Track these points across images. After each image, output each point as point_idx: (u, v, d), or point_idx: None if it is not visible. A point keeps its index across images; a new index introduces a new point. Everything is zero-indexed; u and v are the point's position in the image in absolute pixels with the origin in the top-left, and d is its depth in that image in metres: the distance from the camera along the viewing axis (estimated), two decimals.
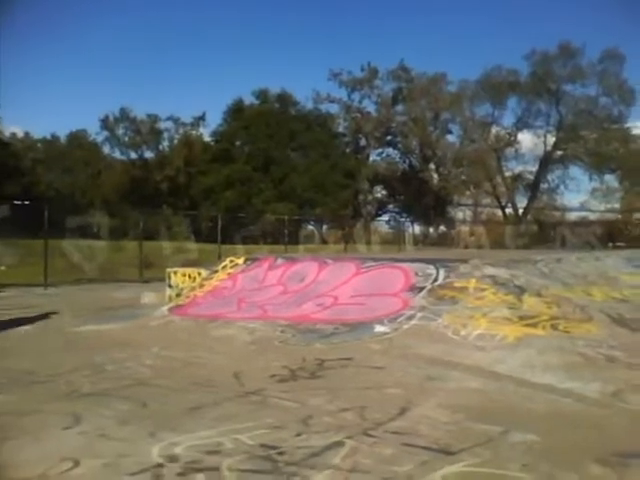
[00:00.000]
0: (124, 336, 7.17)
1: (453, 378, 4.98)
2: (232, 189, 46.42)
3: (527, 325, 6.30)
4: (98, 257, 16.66)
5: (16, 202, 16.94)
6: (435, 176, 50.80)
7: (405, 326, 6.65)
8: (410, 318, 6.81)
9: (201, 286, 10.16)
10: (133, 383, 4.89)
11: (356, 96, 52.03)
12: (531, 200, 44.88)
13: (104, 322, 8.06)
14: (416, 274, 8.00)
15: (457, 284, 7.56)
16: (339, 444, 3.42)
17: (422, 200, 48.09)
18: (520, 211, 44.72)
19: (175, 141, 53.50)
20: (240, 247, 19.39)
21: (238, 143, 52.35)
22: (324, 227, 35.12)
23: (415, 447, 3.38)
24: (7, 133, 48.03)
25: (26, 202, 17.80)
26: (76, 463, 3.15)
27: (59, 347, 6.63)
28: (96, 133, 53.09)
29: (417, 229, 41.14)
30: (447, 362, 5.45)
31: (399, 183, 51.89)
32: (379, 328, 6.67)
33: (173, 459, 3.21)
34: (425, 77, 48.57)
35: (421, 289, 7.55)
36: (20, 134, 53.19)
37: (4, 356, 6.11)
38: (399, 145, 53.15)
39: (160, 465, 3.13)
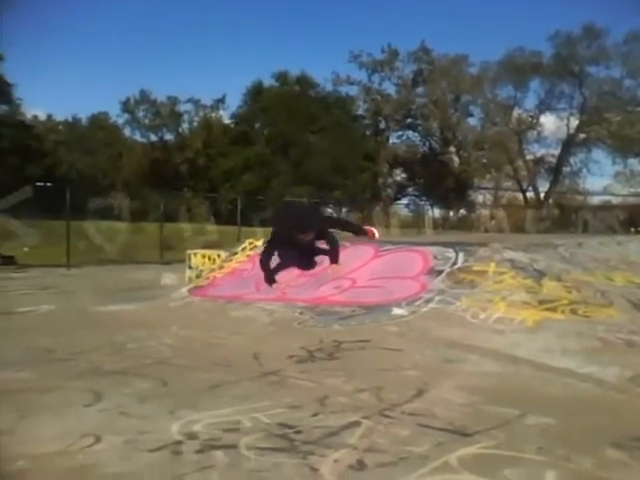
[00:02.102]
0: (144, 316, 7.26)
1: (471, 361, 4.99)
2: (251, 172, 46.51)
3: (546, 309, 6.26)
4: (119, 238, 16.87)
5: (38, 184, 17.17)
6: (455, 159, 50.36)
7: (423, 309, 6.64)
8: (428, 301, 6.80)
9: (220, 268, 10.24)
10: (153, 362, 4.96)
11: (376, 78, 51.60)
12: (553, 184, 44.32)
13: (125, 302, 8.17)
14: (435, 257, 7.97)
15: (476, 268, 7.51)
16: (355, 424, 3.45)
17: (442, 183, 47.72)
18: (542, 195, 44.21)
19: (195, 123, 53.64)
20: (259, 230, 19.49)
21: (257, 125, 52.31)
22: (343, 210, 35.05)
23: (431, 428, 3.39)
24: (29, 115, 48.46)
25: (48, 184, 18.04)
26: (97, 439, 3.21)
27: (80, 326, 6.74)
28: (117, 115, 53.45)
29: (437, 213, 40.89)
30: (465, 345, 5.45)
31: (419, 166, 51.55)
32: (397, 311, 6.68)
33: (192, 436, 3.26)
34: (446, 59, 47.93)
35: (440, 272, 7.51)
36: (42, 116, 53.65)
37: (26, 334, 6.22)
38: (419, 128, 52.69)
39: (179, 442, 3.18)
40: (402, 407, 3.76)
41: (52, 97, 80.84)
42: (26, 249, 16.21)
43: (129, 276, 8.95)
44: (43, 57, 76.33)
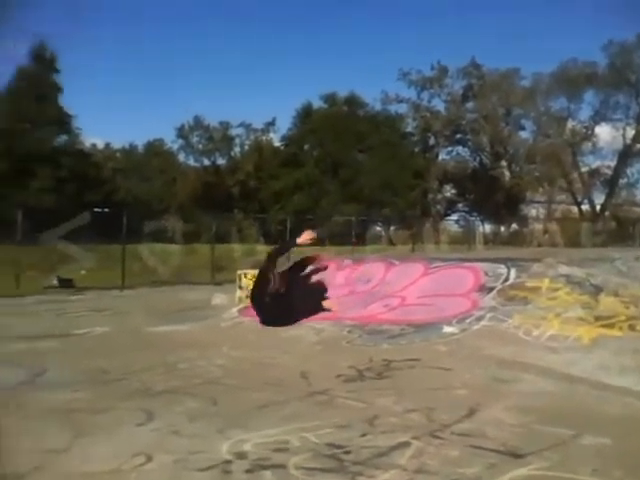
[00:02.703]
0: (196, 336, 7.37)
1: (523, 380, 4.85)
2: (301, 192, 46.90)
3: (603, 326, 6.04)
4: (172, 260, 17.25)
5: (96, 209, 17.76)
6: (507, 173, 49.46)
7: (474, 327, 6.51)
8: (479, 319, 6.67)
9: None
10: (204, 382, 5.02)
11: (425, 95, 51.35)
12: (609, 196, 42.93)
13: (177, 323, 8.30)
14: (486, 274, 7.82)
15: (529, 284, 7.33)
16: (405, 445, 3.40)
17: (493, 198, 46.91)
18: (597, 207, 42.85)
19: (246, 147, 54.53)
20: (308, 249, 19.54)
21: (307, 147, 52.83)
22: (392, 228, 34.84)
23: (482, 449, 3.31)
24: (88, 144, 50.34)
25: (105, 209, 18.67)
26: (148, 458, 3.25)
27: (133, 347, 6.88)
28: (172, 141, 54.91)
29: (487, 228, 40.12)
30: (517, 363, 5.31)
31: (469, 181, 50.90)
32: (447, 329, 6.57)
33: (241, 456, 3.27)
34: (497, 73, 47.38)
35: (491, 289, 7.37)
36: (100, 145, 55.68)
37: (82, 356, 6.39)
38: (469, 143, 52.14)
39: (229, 462, 3.20)
40: (453, 427, 3.69)
41: (110, 126, 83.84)
42: (83, 272, 16.72)
43: (181, 297, 9.12)
44: (100, 87, 79.45)
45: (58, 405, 4.34)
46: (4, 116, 40.05)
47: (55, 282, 15.51)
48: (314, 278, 8.14)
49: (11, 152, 38.75)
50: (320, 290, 8.28)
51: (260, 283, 7.00)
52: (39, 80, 42.80)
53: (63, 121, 44.01)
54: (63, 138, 44.50)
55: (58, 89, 44.62)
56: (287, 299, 6.95)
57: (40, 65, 43.54)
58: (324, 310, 7.38)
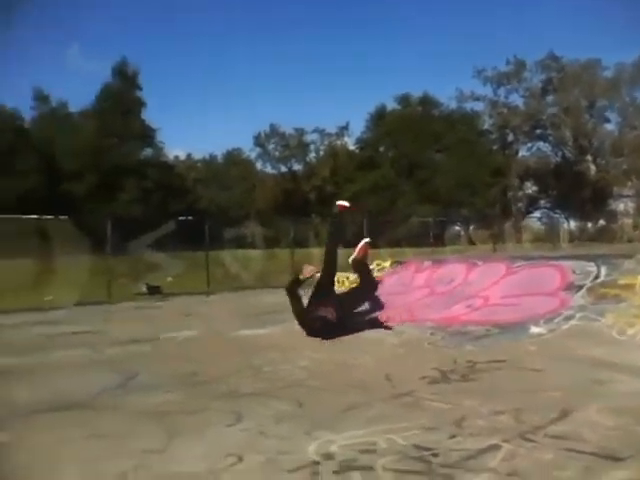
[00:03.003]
0: (279, 340, 7.48)
1: (619, 380, 4.62)
2: (377, 194, 46.80)
3: None
4: (253, 265, 17.70)
5: (180, 218, 18.52)
6: (592, 167, 47.37)
7: (563, 327, 6.28)
8: (568, 318, 6.42)
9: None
10: (289, 384, 5.09)
11: (502, 91, 50.27)
12: None
13: (260, 327, 8.47)
14: (574, 272, 7.52)
15: (621, 281, 6.98)
16: (495, 447, 3.31)
17: (578, 194, 45.07)
18: None
19: (321, 152, 55.13)
20: (385, 251, 19.48)
21: (382, 149, 52.72)
22: (471, 227, 34.12)
23: (577, 452, 3.18)
24: (171, 156, 52.45)
25: (189, 218, 19.42)
26: (239, 459, 3.32)
27: (219, 350, 7.08)
28: (249, 150, 56.41)
29: (573, 225, 38.56)
30: (612, 364, 5.07)
31: (551, 177, 49.15)
32: (534, 329, 6.37)
33: (329, 457, 3.28)
34: (577, 64, 45.56)
35: (580, 287, 7.07)
36: (182, 156, 57.89)
37: (171, 359, 6.63)
38: (550, 138, 50.40)
39: (317, 463, 3.22)
40: (545, 430, 3.56)
41: (190, 138, 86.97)
42: (170, 279, 17.44)
43: (263, 301, 9.31)
44: (181, 101, 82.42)
45: (152, 407, 4.51)
46: (92, 133, 42.34)
47: (144, 289, 16.26)
48: (369, 298, 8.14)
49: (100, 167, 40.91)
50: (375, 307, 8.27)
51: (293, 304, 7.14)
52: (123, 96, 44.99)
53: (147, 135, 46.07)
54: (148, 151, 46.59)
55: (141, 104, 46.77)
56: (338, 324, 7.03)
57: (123, 82, 45.76)
58: (378, 327, 7.37)
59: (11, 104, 41.40)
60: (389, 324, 7.56)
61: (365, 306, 8.29)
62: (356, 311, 7.96)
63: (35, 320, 11.21)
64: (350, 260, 8.16)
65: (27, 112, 44.69)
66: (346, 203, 8.43)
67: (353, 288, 8.67)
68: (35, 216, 15.87)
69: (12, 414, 4.43)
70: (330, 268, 7.79)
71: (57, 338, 8.68)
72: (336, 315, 7.01)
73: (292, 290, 7.51)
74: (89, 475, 3.15)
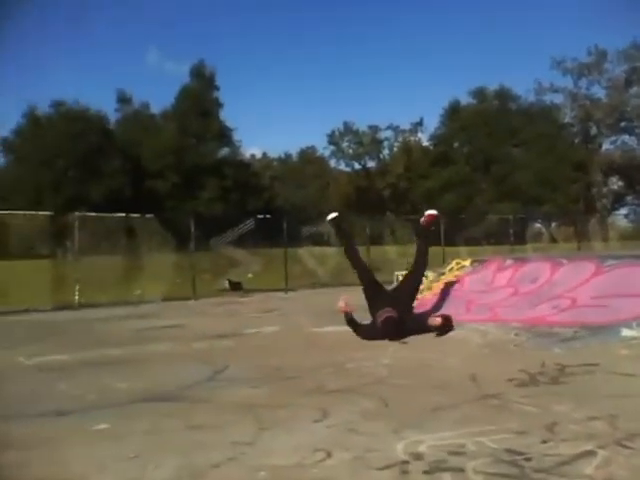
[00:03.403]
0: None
1: None
2: (452, 191, 46.07)
3: None
4: (330, 263, 17.84)
5: (259, 216, 18.93)
6: None
7: None
8: None
9: (429, 288, 10.24)
10: (373, 381, 5.11)
11: (583, 83, 48.36)
12: None
13: (340, 323, 8.52)
14: None
15: None
16: (590, 453, 3.21)
17: None
18: None
19: (395, 149, 54.81)
20: (463, 249, 19.17)
21: (456, 145, 51.81)
22: (553, 224, 32.96)
23: None
24: (247, 155, 53.61)
25: (267, 216, 19.81)
26: (328, 454, 3.36)
27: (302, 346, 7.20)
28: (323, 148, 56.90)
29: None
30: None
31: (638, 172, 46.65)
32: (627, 332, 6.10)
33: (418, 457, 3.28)
34: None
35: None
36: (258, 155, 59.05)
37: (256, 354, 6.81)
38: (636, 130, 47.85)
39: (406, 462, 3.22)
40: None
41: (266, 136, 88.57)
42: (250, 275, 17.89)
43: (340, 298, 9.35)
44: (256, 100, 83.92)
45: (240, 400, 4.65)
46: (173, 133, 43.85)
47: (226, 285, 16.76)
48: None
49: (180, 166, 42.32)
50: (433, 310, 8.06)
51: (359, 333, 7.00)
52: (201, 97, 46.32)
53: (224, 135, 47.25)
54: (225, 150, 47.76)
55: (219, 105, 48.01)
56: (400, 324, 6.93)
57: (201, 83, 47.10)
58: (432, 331, 7.21)
59: (96, 106, 43.37)
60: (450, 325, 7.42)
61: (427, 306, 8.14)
62: (419, 311, 7.86)
63: (125, 314, 11.78)
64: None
65: (112, 114, 46.67)
66: (434, 212, 8.25)
67: (405, 276, 8.46)
68: (122, 214, 16.60)
69: (111, 403, 4.68)
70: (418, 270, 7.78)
71: (147, 331, 9.09)
72: (397, 313, 7.03)
73: (350, 324, 7.52)
74: (183, 465, 3.27)
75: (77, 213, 15.37)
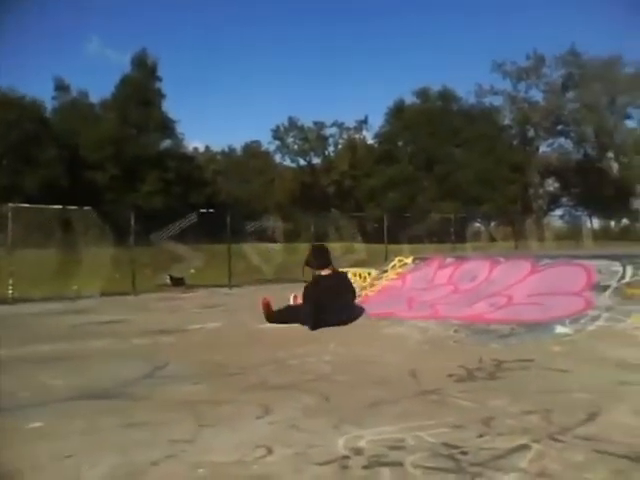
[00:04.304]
0: (302, 333, 7.56)
1: None
2: (396, 189, 46.72)
3: None
4: (274, 259, 17.83)
5: (202, 210, 18.67)
6: (615, 165, 46.82)
7: (589, 327, 6.26)
8: (594, 319, 6.40)
9: (372, 285, 10.38)
10: (315, 378, 5.13)
11: (522, 86, 49.93)
12: None
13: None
14: (599, 271, 7.48)
15: None
16: (525, 447, 3.32)
17: (600, 192, 44.58)
18: None
19: (340, 146, 55.12)
20: (406, 247, 19.51)
21: (400, 143, 52.55)
22: (492, 224, 33.91)
23: (608, 454, 3.18)
24: (190, 148, 52.75)
25: (210, 210, 19.56)
26: (269, 451, 3.36)
27: (245, 342, 7.16)
28: (268, 143, 56.59)
29: (596, 223, 38.18)
30: (639, 365, 5.05)
31: (573, 174, 48.66)
32: (560, 329, 6.35)
33: (358, 452, 3.31)
34: (598, 61, 44.95)
35: (606, 288, 7.04)
36: (201, 148, 58.20)
37: (198, 350, 6.72)
38: (572, 134, 49.90)
39: (346, 457, 3.25)
40: (574, 431, 3.57)
41: (209, 130, 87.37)
42: (193, 271, 17.65)
43: (285, 294, 9.35)
44: (199, 93, 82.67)
45: (180, 397, 4.59)
46: (113, 123, 42.70)
47: (167, 280, 16.47)
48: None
49: (120, 157, 41.25)
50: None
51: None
52: (142, 87, 45.27)
53: (167, 126, 46.34)
54: (167, 142, 46.85)
55: (161, 95, 47.03)
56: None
57: (143, 73, 46.03)
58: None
59: (32, 94, 41.78)
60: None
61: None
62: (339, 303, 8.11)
63: (62, 309, 11.42)
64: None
65: (49, 102, 45.07)
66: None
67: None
68: (59, 206, 16.05)
69: (46, 401, 4.53)
70: None
71: (84, 327, 8.85)
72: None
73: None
74: (121, 464, 3.21)
75: (10, 204, 14.73)
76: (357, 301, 9.03)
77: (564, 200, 50.42)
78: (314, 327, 7.64)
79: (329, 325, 7.74)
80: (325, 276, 8.49)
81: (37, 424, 3.93)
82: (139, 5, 77.80)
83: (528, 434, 3.52)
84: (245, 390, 4.75)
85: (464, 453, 3.27)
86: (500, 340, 6.38)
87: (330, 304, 7.96)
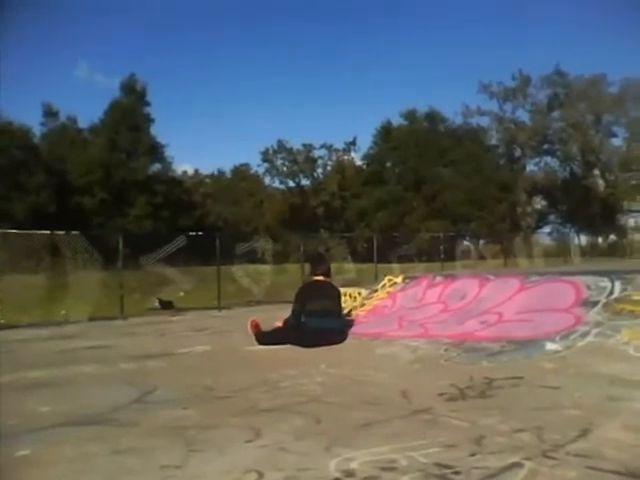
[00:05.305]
0: (294, 354, 7.50)
1: (637, 398, 4.60)
2: (385, 210, 46.97)
3: None
4: (264, 280, 17.76)
5: (190, 233, 18.62)
6: (601, 182, 47.43)
7: (579, 343, 6.26)
8: (584, 335, 6.40)
9: (362, 305, 10.35)
10: (306, 400, 5.09)
11: (508, 107, 50.67)
12: None
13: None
14: (588, 287, 7.51)
15: (636, 297, 6.97)
16: (517, 465, 3.30)
17: (587, 209, 45.07)
18: None
19: (329, 167, 55.49)
20: (396, 266, 19.56)
21: (389, 164, 52.94)
22: (481, 242, 34.05)
23: (601, 471, 3.17)
24: (179, 171, 52.82)
25: (199, 233, 19.51)
26: (260, 475, 3.31)
27: (235, 365, 7.09)
28: (257, 165, 56.94)
29: (583, 240, 38.46)
30: (630, 381, 5.05)
31: (560, 192, 49.23)
32: (550, 346, 6.35)
33: (350, 474, 3.28)
34: (583, 80, 45.77)
35: (595, 303, 7.06)
36: (190, 171, 58.31)
37: (187, 374, 6.64)
38: (558, 153, 50.59)
39: (338, 479, 3.22)
40: (566, 448, 3.55)
41: (198, 153, 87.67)
42: (182, 294, 17.53)
43: (276, 315, 9.28)
44: (188, 117, 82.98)
45: (169, 422, 4.52)
46: (101, 148, 42.75)
47: (156, 304, 16.34)
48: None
49: (109, 182, 41.22)
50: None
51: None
52: (132, 112, 45.45)
53: (156, 150, 46.47)
54: (156, 166, 46.93)
55: (150, 120, 47.21)
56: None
57: (132, 97, 46.25)
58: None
59: (20, 120, 41.74)
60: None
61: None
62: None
63: (49, 334, 11.28)
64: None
65: (37, 128, 45.07)
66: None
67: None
68: (47, 231, 15.95)
69: (33, 428, 4.45)
70: None
71: (72, 352, 8.73)
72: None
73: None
74: None
75: None
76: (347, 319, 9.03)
77: (552, 217, 50.93)
78: (300, 330, 8.08)
79: (318, 333, 7.83)
80: (317, 281, 8.57)
81: (24, 452, 3.86)
82: (127, 30, 78.46)
83: (520, 452, 3.50)
84: (235, 414, 4.69)
85: (457, 473, 3.24)
86: (490, 358, 6.36)
87: (317, 304, 8.16)
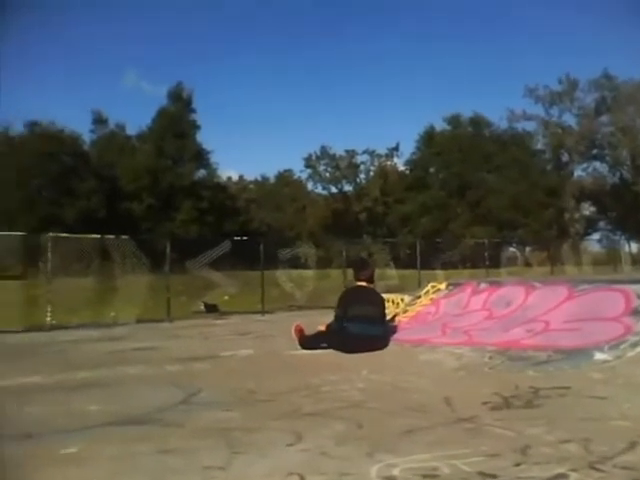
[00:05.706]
0: (336, 360, 7.52)
1: None
2: (428, 215, 46.60)
3: None
4: (307, 285, 17.87)
5: (235, 238, 18.89)
6: None
7: (629, 353, 6.08)
8: (634, 345, 6.21)
9: (405, 312, 10.29)
10: (348, 405, 5.09)
11: (555, 111, 49.56)
12: None
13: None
14: (638, 296, 7.29)
15: None
16: (563, 476, 3.23)
17: (638, 215, 43.59)
18: None
19: (371, 173, 55.45)
20: (439, 272, 19.36)
21: (432, 170, 52.54)
22: (527, 249, 33.38)
23: None
24: (224, 177, 53.66)
25: (244, 238, 19.81)
26: (302, 478, 3.32)
27: (277, 369, 7.15)
28: (300, 171, 57.28)
29: (634, 247, 37.26)
30: None
31: (609, 198, 47.86)
32: (599, 355, 6.19)
33: None
34: (632, 83, 44.41)
35: None
36: (235, 177, 59.16)
37: (230, 377, 6.73)
38: (607, 158, 49.23)
39: None
40: (614, 460, 3.46)
41: (243, 159, 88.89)
42: (226, 298, 17.81)
43: (318, 320, 9.31)
44: (233, 123, 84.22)
45: (213, 424, 4.59)
46: (149, 155, 43.76)
47: (202, 307, 16.63)
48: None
49: (156, 188, 42.14)
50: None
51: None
52: (178, 119, 46.40)
53: (201, 157, 47.33)
54: (202, 172, 47.76)
55: (196, 127, 48.10)
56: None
57: (179, 105, 47.22)
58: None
59: (71, 127, 43.08)
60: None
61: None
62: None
63: (98, 336, 11.59)
64: None
65: (87, 135, 46.43)
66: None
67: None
68: (97, 236, 16.41)
69: (80, 427, 4.58)
70: None
71: (119, 354, 8.95)
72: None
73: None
74: None
75: (50, 234, 15.13)
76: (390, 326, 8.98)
77: (601, 224, 49.58)
78: (342, 335, 8.06)
79: (360, 339, 7.82)
80: (360, 286, 8.57)
81: (71, 449, 3.97)
82: (173, 36, 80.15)
83: (566, 463, 3.43)
84: (277, 417, 4.73)
85: None
86: (536, 367, 6.24)
87: (360, 309, 8.15)
